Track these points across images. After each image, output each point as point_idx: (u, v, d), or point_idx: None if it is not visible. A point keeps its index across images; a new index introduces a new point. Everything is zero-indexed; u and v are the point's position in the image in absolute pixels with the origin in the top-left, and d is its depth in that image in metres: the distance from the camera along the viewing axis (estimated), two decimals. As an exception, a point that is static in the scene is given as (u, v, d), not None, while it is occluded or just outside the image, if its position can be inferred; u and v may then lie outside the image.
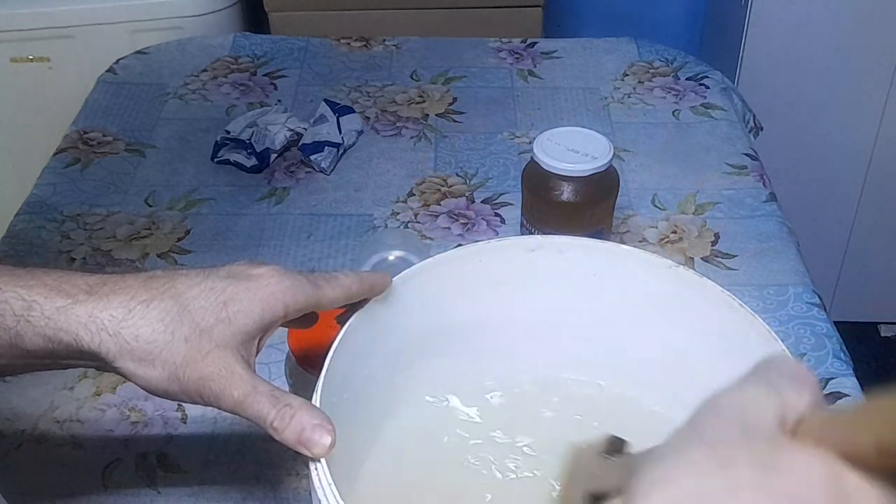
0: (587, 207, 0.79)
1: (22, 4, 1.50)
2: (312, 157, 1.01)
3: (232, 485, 0.69)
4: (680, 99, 1.13)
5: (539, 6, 1.57)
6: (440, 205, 0.97)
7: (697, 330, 0.58)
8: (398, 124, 1.09)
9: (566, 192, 0.78)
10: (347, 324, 0.54)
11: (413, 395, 0.61)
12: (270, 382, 0.49)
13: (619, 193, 0.82)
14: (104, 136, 1.07)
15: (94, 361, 0.49)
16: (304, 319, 0.55)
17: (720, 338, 0.56)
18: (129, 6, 1.51)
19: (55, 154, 1.04)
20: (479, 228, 0.94)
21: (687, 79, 1.17)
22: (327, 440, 0.46)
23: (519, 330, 0.63)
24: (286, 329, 0.62)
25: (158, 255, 0.90)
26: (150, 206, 0.97)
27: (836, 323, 0.84)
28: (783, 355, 0.51)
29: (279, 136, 1.02)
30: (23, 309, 0.48)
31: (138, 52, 1.23)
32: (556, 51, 1.23)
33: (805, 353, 0.80)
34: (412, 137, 1.07)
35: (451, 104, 1.12)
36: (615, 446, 0.49)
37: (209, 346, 0.48)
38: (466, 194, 0.98)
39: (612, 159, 0.78)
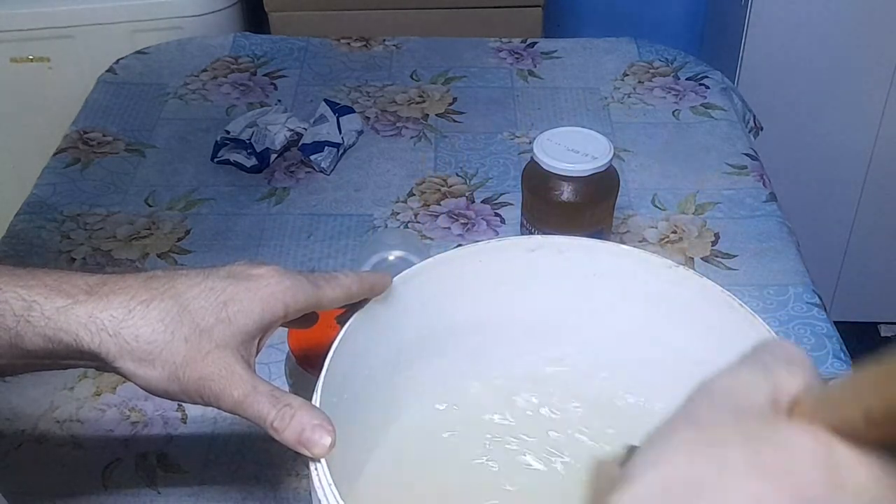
0: (587, 207, 0.79)
1: (22, 4, 1.50)
2: (312, 157, 1.01)
3: (232, 485, 0.69)
4: (680, 99, 1.13)
5: (539, 6, 1.57)
6: (440, 205, 0.97)
7: (697, 330, 0.58)
8: (398, 124, 1.09)
9: (566, 192, 0.78)
10: (347, 324, 0.54)
11: (413, 395, 0.61)
12: (270, 382, 0.49)
13: (619, 193, 0.82)
14: (104, 136, 1.07)
15: (94, 361, 0.49)
16: (304, 319, 0.55)
17: (720, 338, 0.56)
18: (129, 6, 1.51)
19: (55, 154, 1.04)
20: (479, 228, 0.94)
21: (687, 79, 1.17)
22: (327, 440, 0.46)
23: (519, 330, 0.63)
24: (286, 329, 0.62)
25: (158, 255, 0.90)
26: (150, 206, 0.97)
27: (836, 323, 0.84)
28: (777, 338, 0.51)
29: (279, 136, 1.02)
30: (23, 309, 0.48)
31: (138, 52, 1.23)
32: (556, 51, 1.22)
33: (805, 353, 0.79)
34: (412, 137, 1.07)
35: (451, 104, 1.12)
36: None
37: (209, 346, 0.48)
38: (466, 194, 0.98)
39: (612, 159, 0.78)
